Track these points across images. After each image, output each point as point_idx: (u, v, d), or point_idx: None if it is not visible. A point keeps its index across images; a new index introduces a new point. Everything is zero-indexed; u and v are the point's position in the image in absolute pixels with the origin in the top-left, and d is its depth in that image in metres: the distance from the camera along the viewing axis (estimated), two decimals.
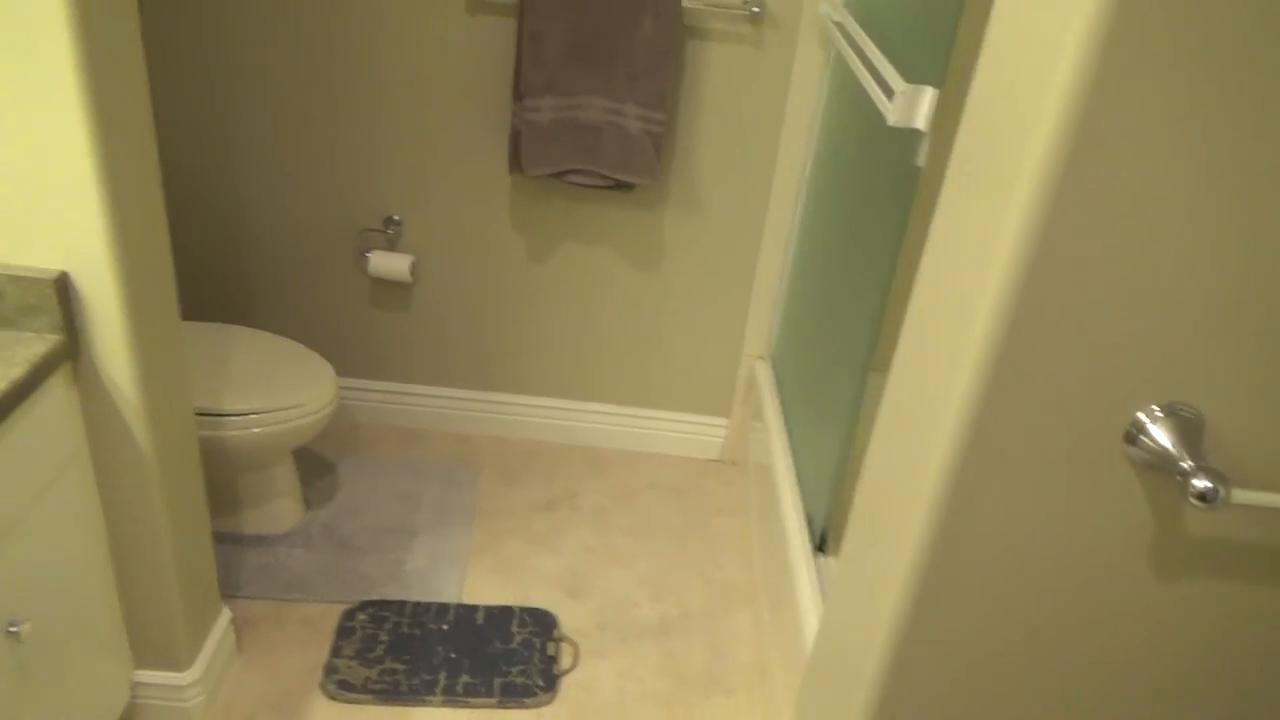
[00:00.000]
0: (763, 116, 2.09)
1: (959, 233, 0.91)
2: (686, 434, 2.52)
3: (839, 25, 1.82)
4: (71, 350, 1.27)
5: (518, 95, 1.96)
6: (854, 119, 1.80)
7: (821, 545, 1.75)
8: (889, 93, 1.36)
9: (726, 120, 2.10)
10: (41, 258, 1.22)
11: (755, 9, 1.96)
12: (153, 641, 1.57)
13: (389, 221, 2.24)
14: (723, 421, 2.51)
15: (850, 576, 1.18)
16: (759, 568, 2.05)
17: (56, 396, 1.26)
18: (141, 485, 1.41)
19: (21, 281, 1.20)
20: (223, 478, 1.99)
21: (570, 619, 1.99)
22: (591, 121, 1.98)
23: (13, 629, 1.19)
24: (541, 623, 1.95)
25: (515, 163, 2.03)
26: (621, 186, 2.08)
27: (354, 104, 2.10)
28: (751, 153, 2.13)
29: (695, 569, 2.17)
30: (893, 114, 1.32)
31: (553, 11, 1.89)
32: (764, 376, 2.30)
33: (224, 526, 2.06)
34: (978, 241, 0.86)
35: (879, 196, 1.58)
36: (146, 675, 1.60)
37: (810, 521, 1.79)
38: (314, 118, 2.11)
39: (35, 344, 1.22)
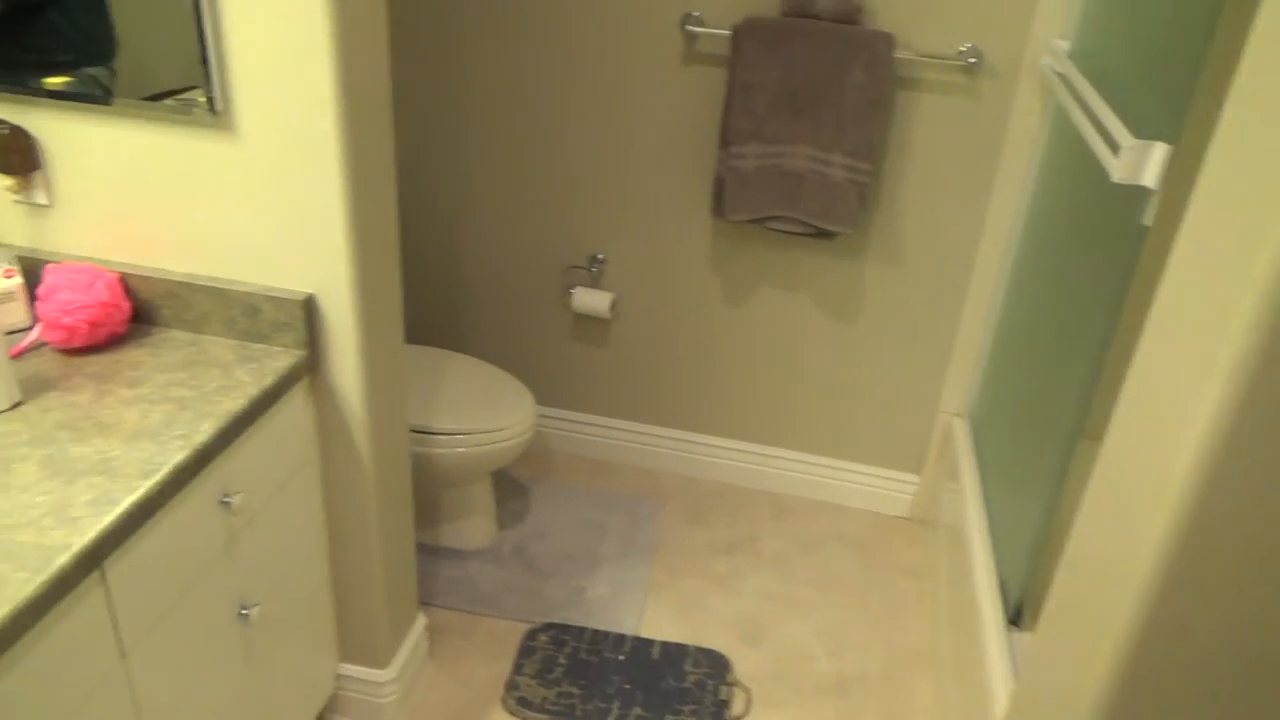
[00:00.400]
0: (974, 169, 2.03)
1: (1191, 299, 0.85)
2: (875, 488, 2.45)
3: (1061, 76, 1.75)
4: (312, 364, 1.41)
5: (724, 142, 2.00)
6: (1074, 174, 1.71)
7: (1016, 619, 1.65)
8: (1115, 148, 1.29)
9: (935, 171, 2.05)
10: (293, 281, 1.37)
11: (972, 60, 1.91)
12: (357, 638, 1.69)
13: (593, 260, 2.34)
14: (914, 478, 2.42)
15: (1047, 657, 1.11)
16: (945, 635, 1.96)
17: (297, 405, 1.41)
18: (360, 491, 1.54)
19: (276, 301, 1.35)
20: (427, 492, 2.13)
21: (744, 664, 1.97)
22: (795, 169, 2.00)
23: (244, 611, 1.33)
24: (715, 665, 1.95)
25: (718, 207, 2.07)
26: (823, 234, 2.08)
27: (573, 147, 2.22)
28: (960, 205, 2.08)
29: (877, 628, 2.10)
30: (1118, 170, 1.26)
31: (764, 63, 1.92)
32: (961, 435, 2.21)
33: (424, 538, 2.19)
34: (1213, 310, 0.80)
35: (1100, 256, 1.50)
36: (350, 669, 1.72)
37: (1004, 592, 1.70)
38: (535, 160, 2.25)
39: (283, 357, 1.36)
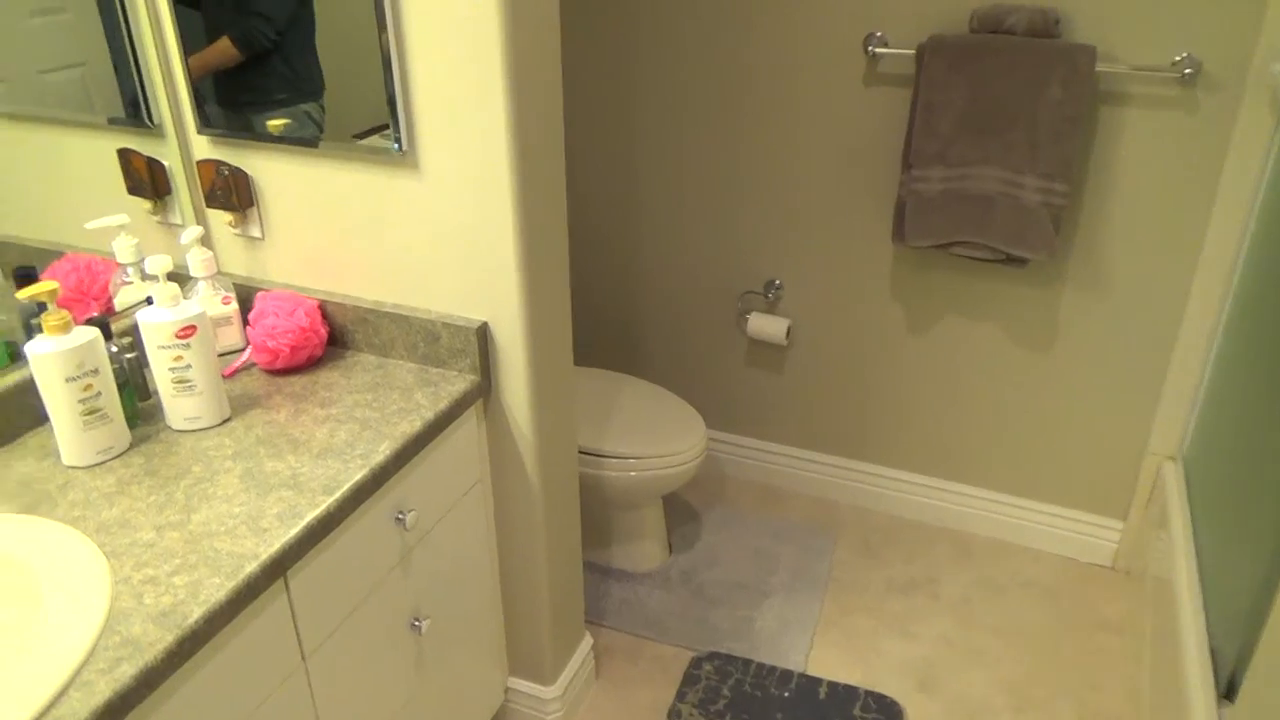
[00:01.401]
0: (1190, 190, 1.85)
1: None
2: (1071, 533, 2.27)
3: None
4: (485, 388, 1.47)
5: (906, 165, 1.93)
6: None
7: (1229, 693, 1.47)
8: None
9: (1143, 193, 1.88)
10: (470, 309, 1.43)
11: (1188, 70, 1.75)
12: (524, 654, 1.74)
13: (770, 285, 2.31)
14: (1117, 524, 2.23)
15: None
16: (1147, 702, 1.78)
17: (470, 427, 1.47)
18: (529, 511, 1.58)
19: (453, 328, 1.42)
20: (597, 512, 2.17)
21: (918, 713, 1.87)
22: (984, 192, 1.89)
23: (416, 623, 1.40)
24: (887, 712, 1.86)
25: (899, 233, 2.00)
26: (1013, 261, 1.95)
27: (749, 170, 2.21)
28: (1173, 230, 1.89)
29: (1068, 686, 1.94)
30: None
31: (950, 82, 1.84)
32: (1173, 480, 2.01)
33: (594, 558, 2.23)
34: None
35: None
36: (518, 683, 1.78)
37: (1216, 659, 1.52)
38: (712, 183, 2.26)
39: (458, 382, 1.43)
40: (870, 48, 1.96)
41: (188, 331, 1.25)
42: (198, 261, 1.44)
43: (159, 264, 1.27)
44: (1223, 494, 1.74)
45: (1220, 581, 1.62)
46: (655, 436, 2.03)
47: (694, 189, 2.28)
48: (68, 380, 1.16)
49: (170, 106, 1.46)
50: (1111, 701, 1.90)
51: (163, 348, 1.25)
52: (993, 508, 2.33)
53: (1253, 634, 1.42)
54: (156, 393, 1.31)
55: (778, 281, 2.30)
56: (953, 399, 2.26)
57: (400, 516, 1.31)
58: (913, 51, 1.91)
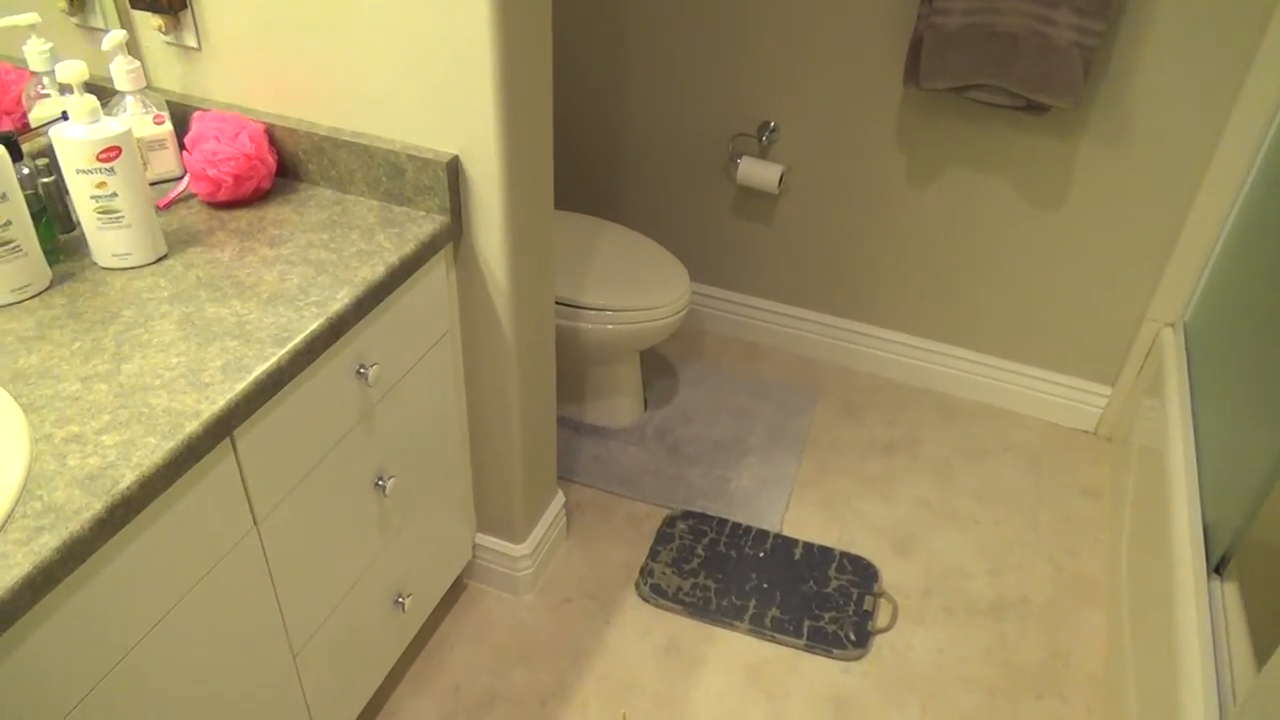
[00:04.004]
0: (1231, 37, 1.68)
1: None
2: (1058, 397, 2.22)
3: None
4: (456, 231, 1.32)
5: None
6: None
7: (1219, 567, 1.44)
8: None
9: (1181, 39, 1.71)
10: (439, 140, 1.26)
11: None
12: (494, 511, 1.67)
13: (764, 127, 2.13)
14: (1106, 390, 2.17)
15: None
16: (1125, 569, 1.76)
17: (439, 273, 1.33)
18: (501, 365, 1.47)
19: (420, 161, 1.26)
20: (572, 367, 2.06)
21: (893, 575, 1.85)
22: (1010, 29, 1.71)
23: (380, 482, 1.30)
24: (863, 573, 1.83)
25: (912, 73, 1.82)
26: (1033, 108, 1.79)
27: (747, 1, 1.99)
28: (1207, 81, 1.74)
29: (1044, 551, 1.92)
30: None
31: None
32: (1172, 347, 1.94)
33: (567, 413, 2.15)
34: None
35: None
36: (487, 540, 1.71)
37: (1209, 534, 1.49)
38: (708, 13, 2.04)
39: (426, 223, 1.28)
40: None
41: (111, 153, 1.08)
42: (122, 73, 1.24)
43: (71, 70, 1.08)
44: (1227, 365, 1.66)
45: (1218, 455, 1.57)
46: (636, 288, 1.90)
47: (687, 17, 2.06)
48: None
49: None
50: (1088, 566, 1.89)
51: (82, 171, 1.08)
52: (978, 370, 2.26)
53: (1252, 509, 1.38)
54: (80, 224, 1.15)
55: (773, 124, 2.12)
56: (949, 256, 2.14)
57: (362, 370, 1.19)
58: None
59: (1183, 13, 1.69)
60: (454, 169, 1.26)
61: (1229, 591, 1.41)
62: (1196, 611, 1.36)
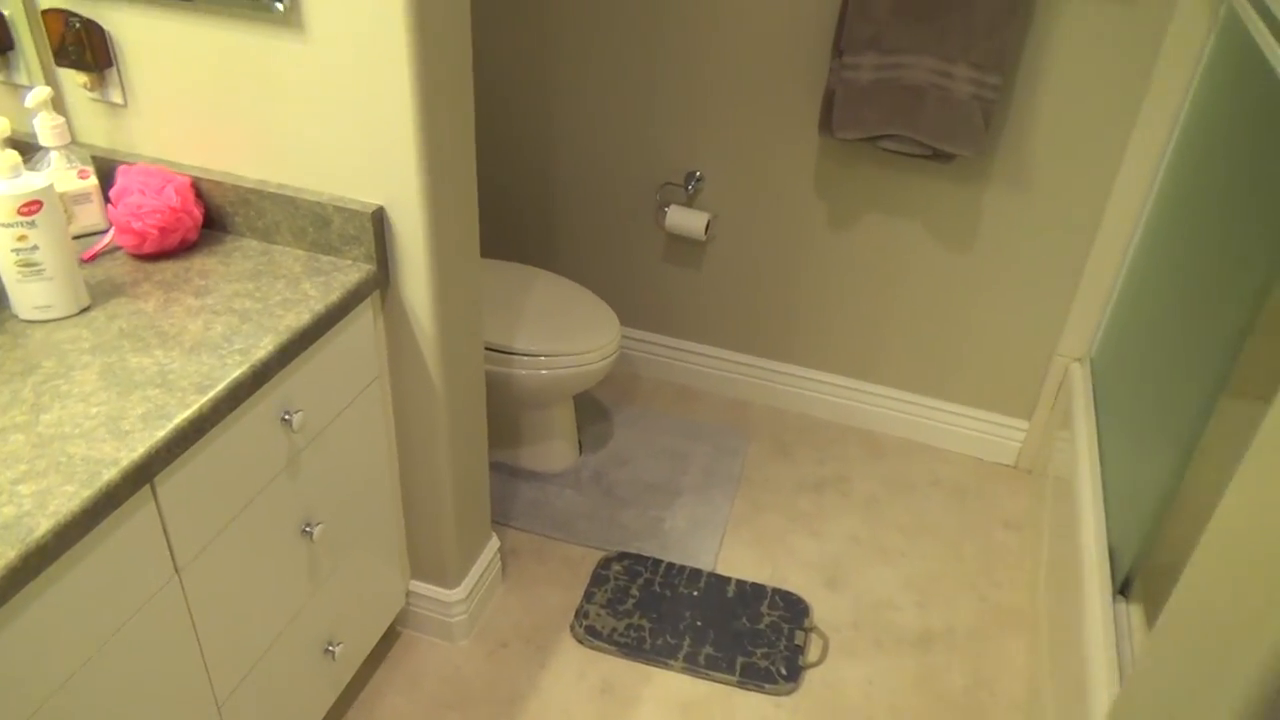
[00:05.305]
0: (1121, 86, 1.80)
1: None
2: (979, 432, 2.30)
3: None
4: (382, 279, 1.35)
5: (837, 51, 1.83)
6: (1244, 96, 1.49)
7: (1124, 589, 1.51)
8: None
9: (1073, 89, 1.83)
10: (364, 192, 1.30)
11: None
12: (427, 557, 1.68)
13: (690, 177, 2.21)
14: (1023, 424, 2.26)
15: (1175, 645, 0.98)
16: (1043, 597, 1.82)
17: (365, 321, 1.35)
18: (430, 411, 1.49)
19: (346, 212, 1.29)
20: (506, 411, 2.09)
21: (824, 610, 1.89)
22: (915, 83, 1.81)
23: (307, 529, 1.31)
24: (793, 609, 1.87)
25: (826, 123, 1.91)
26: (940, 156, 1.89)
27: (671, 56, 2.07)
28: (1100, 128, 1.86)
29: (969, 582, 1.98)
30: None
31: None
32: (1080, 381, 2.03)
33: (502, 458, 2.16)
34: None
35: (1270, 189, 1.30)
36: (420, 586, 1.72)
37: (1114, 558, 1.56)
38: (630, 68, 2.12)
39: (352, 272, 1.31)
40: None
41: (32, 207, 1.09)
42: (46, 128, 1.26)
43: None
44: (1128, 397, 1.75)
45: (1121, 482, 1.65)
46: (567, 333, 1.94)
47: (610, 71, 2.14)
48: None
49: None
50: (1010, 596, 1.95)
51: (3, 225, 1.10)
52: (904, 408, 2.34)
53: (1151, 534, 1.45)
54: (1, 279, 1.16)
55: (698, 173, 2.20)
56: (870, 298, 2.22)
57: (287, 417, 1.20)
58: None
59: (1074, 64, 1.81)
60: (379, 218, 1.30)
61: (1134, 611, 1.47)
62: (1103, 632, 1.42)
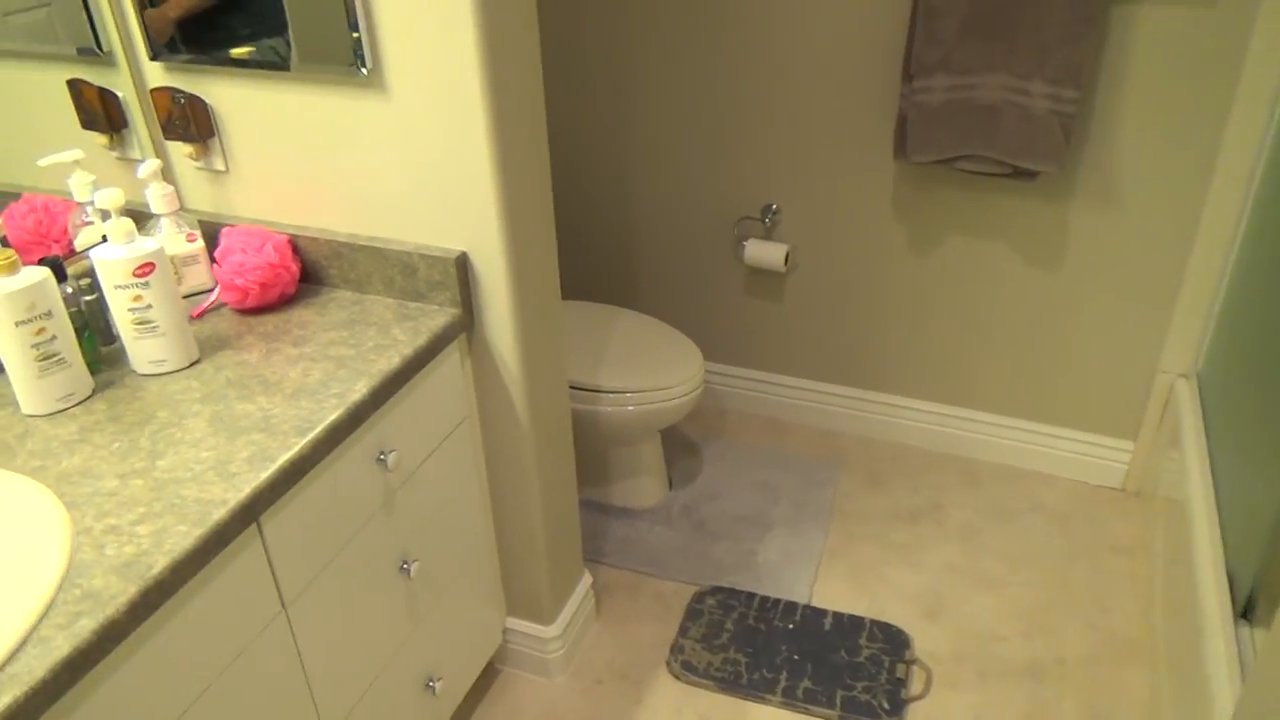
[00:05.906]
0: (1207, 91, 1.75)
1: None
2: (1081, 455, 2.22)
3: None
4: (467, 322, 1.40)
5: (907, 76, 1.82)
6: None
7: (1247, 612, 1.43)
8: None
9: (1157, 97, 1.78)
10: (447, 239, 1.35)
11: None
12: (522, 593, 1.70)
13: (767, 210, 2.22)
14: (1128, 445, 2.17)
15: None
16: (1160, 624, 1.74)
17: (453, 363, 1.40)
18: (519, 449, 1.53)
19: (431, 259, 1.35)
20: (595, 449, 2.11)
21: (925, 642, 1.84)
22: (989, 102, 1.79)
23: (405, 566, 1.35)
24: (893, 640, 1.83)
25: (900, 149, 1.90)
26: (1021, 174, 1.86)
27: (741, 91, 2.10)
28: (1189, 136, 1.80)
29: (1078, 610, 1.90)
30: None
31: None
32: (1187, 398, 1.95)
33: (593, 495, 2.19)
34: None
35: None
36: (517, 623, 1.74)
37: (1233, 580, 1.48)
38: (702, 105, 2.15)
39: (438, 316, 1.36)
40: None
41: (145, 269, 1.18)
42: (157, 197, 1.36)
43: (109, 198, 1.19)
44: (1239, 411, 1.67)
45: (1237, 501, 1.57)
46: (651, 369, 1.97)
47: (684, 111, 2.18)
48: (18, 324, 1.10)
49: (119, 31, 1.36)
50: (1123, 624, 1.87)
51: (120, 287, 1.18)
52: (1000, 432, 2.28)
53: (1273, 553, 1.37)
54: (120, 336, 1.24)
55: (775, 205, 2.21)
56: (958, 322, 2.18)
57: (382, 457, 1.25)
58: None
59: (1156, 74, 1.76)
60: (462, 264, 1.35)
61: (1258, 636, 1.39)
62: (1226, 658, 1.35)
